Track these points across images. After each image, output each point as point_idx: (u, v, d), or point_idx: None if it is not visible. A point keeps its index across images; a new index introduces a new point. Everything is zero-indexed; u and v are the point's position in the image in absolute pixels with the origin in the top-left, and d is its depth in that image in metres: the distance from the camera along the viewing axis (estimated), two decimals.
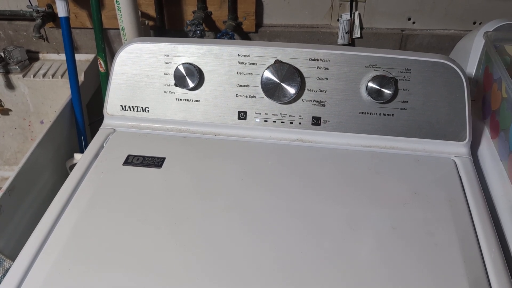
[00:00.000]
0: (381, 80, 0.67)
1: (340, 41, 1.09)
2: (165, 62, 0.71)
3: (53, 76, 1.11)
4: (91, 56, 1.16)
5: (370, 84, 0.67)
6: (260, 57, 0.69)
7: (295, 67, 0.68)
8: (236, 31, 1.10)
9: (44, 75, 1.11)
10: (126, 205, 0.60)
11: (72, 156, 0.97)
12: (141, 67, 0.72)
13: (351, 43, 1.11)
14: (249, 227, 0.57)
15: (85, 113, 1.07)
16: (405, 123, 0.69)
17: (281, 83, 0.68)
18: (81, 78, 1.06)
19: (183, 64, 0.70)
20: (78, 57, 1.12)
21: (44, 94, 1.13)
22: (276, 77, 0.68)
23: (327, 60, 0.68)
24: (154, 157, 0.68)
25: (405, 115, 0.69)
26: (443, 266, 0.52)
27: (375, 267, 0.52)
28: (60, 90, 1.11)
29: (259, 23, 1.11)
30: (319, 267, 0.52)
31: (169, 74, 0.71)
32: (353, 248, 0.54)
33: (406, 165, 0.67)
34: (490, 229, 0.57)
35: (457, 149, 0.68)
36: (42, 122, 1.17)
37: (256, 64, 0.70)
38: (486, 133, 0.73)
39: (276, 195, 0.61)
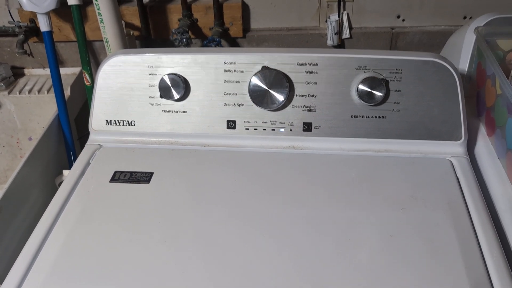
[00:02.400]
0: (371, 82, 0.65)
1: (329, 42, 1.07)
2: (150, 74, 0.69)
3: (39, 91, 1.09)
4: (77, 70, 1.14)
5: (361, 87, 0.65)
6: (247, 64, 0.68)
7: (283, 73, 0.67)
8: (223, 37, 1.08)
9: (30, 91, 1.09)
10: (113, 224, 0.57)
11: (61, 173, 0.95)
12: (125, 80, 0.70)
13: (341, 44, 1.10)
14: (243, 240, 0.55)
15: (73, 128, 1.04)
16: (398, 124, 0.67)
17: (269, 90, 0.66)
18: (67, 92, 1.04)
19: (168, 75, 0.68)
20: (64, 71, 1.10)
21: (31, 110, 1.10)
22: (263, 84, 0.66)
23: (316, 64, 0.67)
24: (142, 172, 0.65)
25: (398, 116, 0.67)
26: (444, 274, 0.50)
27: (374, 277, 0.50)
28: (47, 106, 1.09)
29: (246, 28, 1.09)
30: (314, 280, 0.50)
31: (154, 85, 0.69)
32: (351, 258, 0.52)
33: (401, 168, 0.65)
34: (491, 231, 0.55)
35: (453, 149, 0.67)
36: (30, 139, 1.15)
37: (243, 72, 0.68)
38: (482, 131, 0.71)
39: (270, 205, 0.59)
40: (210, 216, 0.58)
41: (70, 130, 1.00)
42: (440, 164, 0.65)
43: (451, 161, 0.66)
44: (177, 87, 0.68)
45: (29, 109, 1.10)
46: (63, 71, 1.11)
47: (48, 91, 1.09)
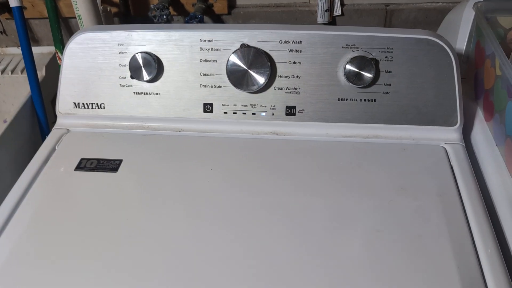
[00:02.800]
0: (360, 61, 0.59)
1: (319, 19, 1.01)
2: (120, 52, 0.64)
3: (12, 71, 1.03)
4: (53, 49, 1.07)
5: (348, 67, 0.60)
6: (225, 42, 0.62)
7: (264, 51, 0.61)
8: (207, 14, 1.01)
9: (3, 71, 1.03)
10: (74, 218, 0.52)
11: None
12: (94, 59, 0.64)
13: (332, 21, 1.03)
14: (216, 236, 0.50)
15: (49, 110, 0.99)
16: (389, 108, 0.62)
17: (249, 70, 0.61)
18: (42, 72, 0.98)
19: (139, 53, 0.62)
20: (39, 49, 1.04)
21: (5, 91, 1.04)
22: (243, 63, 0.61)
23: (300, 42, 0.61)
24: (110, 160, 0.60)
25: (389, 99, 0.61)
26: (434, 273, 0.46)
27: (359, 276, 0.46)
28: (21, 87, 1.03)
29: (231, 4, 1.03)
30: (296, 277, 0.46)
31: (124, 65, 0.64)
32: (334, 255, 0.48)
33: (391, 156, 0.60)
34: (486, 226, 0.50)
35: (448, 135, 0.62)
36: (5, 121, 1.09)
37: (220, 50, 0.62)
38: (480, 116, 0.66)
39: (247, 196, 0.54)
40: (179, 210, 0.53)
41: (45, 112, 0.95)
42: (433, 152, 0.60)
43: (445, 148, 0.61)
44: (149, 66, 0.62)
45: (2, 90, 1.04)
46: (38, 50, 1.04)
47: (22, 71, 1.03)
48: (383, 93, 0.61)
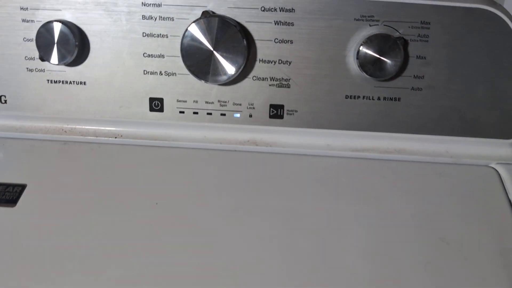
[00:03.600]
0: (381, 42, 0.40)
1: None
2: (23, 20, 0.43)
3: None
4: None
5: (364, 50, 0.40)
6: (179, 7, 0.42)
7: (238, 23, 0.41)
8: None
9: None
10: None
11: None
12: None
13: None
14: None
15: None
16: (419, 111, 0.43)
17: (215, 52, 0.41)
18: None
19: (51, 22, 0.42)
20: None
21: None
22: (206, 41, 0.41)
23: (291, 10, 0.41)
24: (9, 186, 0.40)
25: (420, 98, 0.42)
26: None
27: None
28: None
29: None
30: None
31: (31, 40, 0.43)
32: None
33: (421, 184, 0.41)
34: None
35: (501, 151, 0.43)
36: None
37: (172, 20, 0.42)
38: None
39: (208, 253, 0.35)
40: (102, 274, 0.34)
41: None
42: (482, 176, 0.42)
43: (497, 171, 0.42)
44: (66, 43, 0.42)
45: None
46: None
47: None
48: (412, 88, 0.42)
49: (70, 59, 0.42)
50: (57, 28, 0.42)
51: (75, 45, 0.42)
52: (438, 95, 0.42)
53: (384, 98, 0.43)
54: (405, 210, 0.38)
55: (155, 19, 0.42)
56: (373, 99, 0.43)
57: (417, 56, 0.41)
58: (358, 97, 0.43)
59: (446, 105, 0.43)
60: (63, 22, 0.42)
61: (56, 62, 0.42)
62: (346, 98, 0.43)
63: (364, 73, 0.41)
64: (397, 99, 0.43)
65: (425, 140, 0.43)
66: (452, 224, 0.38)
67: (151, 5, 0.42)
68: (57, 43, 0.42)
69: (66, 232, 0.36)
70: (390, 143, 0.44)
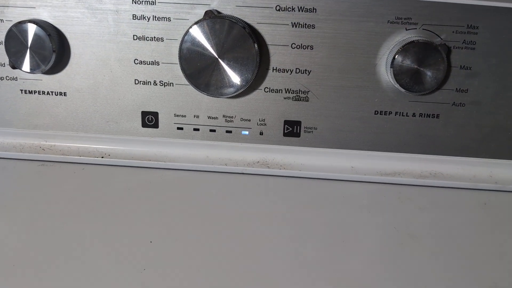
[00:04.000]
0: (420, 49, 0.33)
1: None
2: None
3: None
4: None
5: (399, 58, 0.34)
6: (177, 5, 0.35)
7: (247, 24, 0.34)
8: None
9: None
10: None
11: None
12: None
13: None
14: None
15: None
16: (460, 130, 0.36)
17: (220, 59, 0.34)
18: None
19: (22, 23, 0.35)
20: None
21: None
22: (210, 46, 0.34)
23: (312, 10, 0.34)
24: None
25: (461, 116, 0.36)
26: None
27: None
28: None
29: None
30: None
31: (1, 43, 0.36)
32: None
33: (463, 217, 0.35)
34: None
35: None
36: None
37: (169, 20, 0.35)
38: None
39: None
40: None
41: None
42: None
43: None
44: (41, 48, 0.35)
45: None
46: None
47: None
48: (454, 104, 0.36)
49: (46, 67, 0.35)
50: (30, 29, 0.35)
51: (52, 50, 0.35)
52: (483, 112, 0.36)
53: (420, 115, 0.36)
54: (446, 252, 0.32)
55: (148, 19, 0.35)
56: (407, 115, 0.36)
57: (461, 66, 0.35)
58: (390, 113, 0.36)
59: (492, 124, 0.36)
60: (37, 22, 0.35)
61: (28, 70, 0.35)
62: (375, 114, 0.37)
63: (399, 86, 0.34)
64: (435, 115, 0.36)
65: (466, 163, 0.37)
66: (504, 267, 0.32)
67: (144, 2, 0.35)
68: (30, 47, 0.35)
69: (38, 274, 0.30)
70: (425, 166, 0.38)
